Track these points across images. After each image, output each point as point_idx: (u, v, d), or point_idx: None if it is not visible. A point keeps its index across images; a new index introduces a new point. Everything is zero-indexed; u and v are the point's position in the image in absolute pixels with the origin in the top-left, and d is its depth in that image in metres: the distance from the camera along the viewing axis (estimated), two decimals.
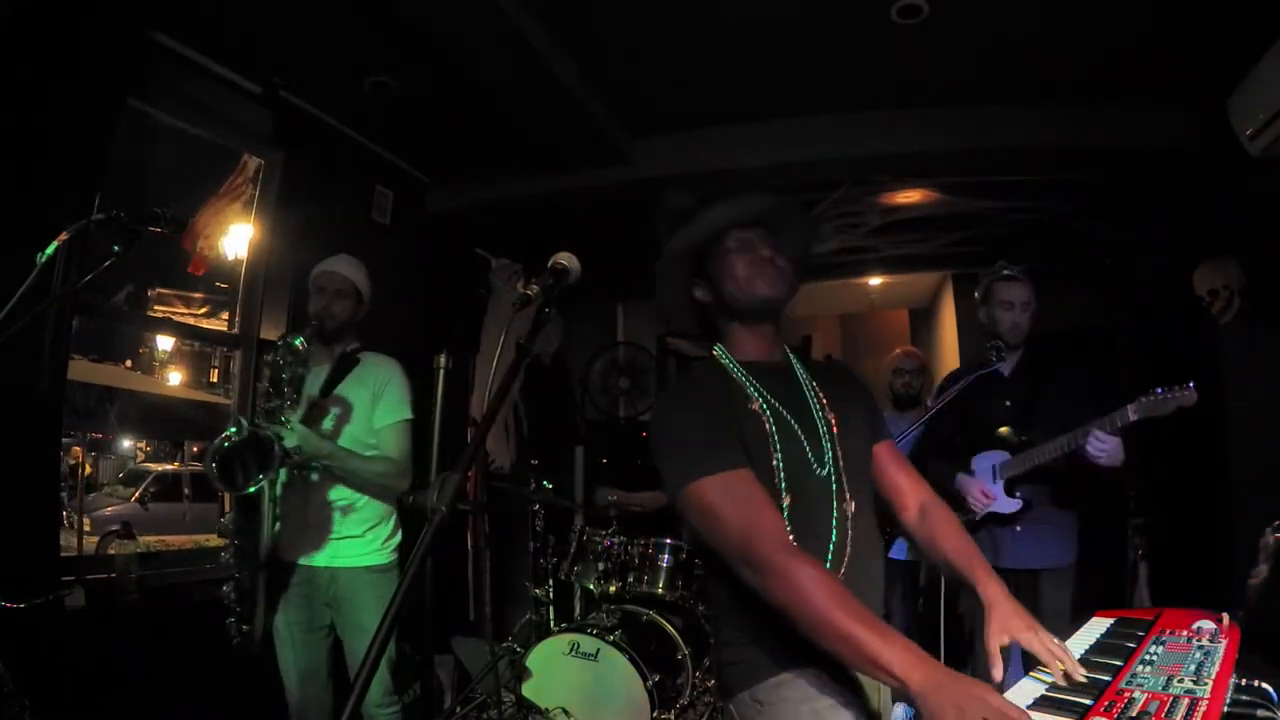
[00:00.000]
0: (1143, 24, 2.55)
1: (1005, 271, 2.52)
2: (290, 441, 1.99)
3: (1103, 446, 2.13)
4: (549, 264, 1.15)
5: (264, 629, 2.14)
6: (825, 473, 1.29)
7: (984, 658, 1.17)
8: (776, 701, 1.19)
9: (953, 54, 2.80)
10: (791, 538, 1.18)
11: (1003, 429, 2.45)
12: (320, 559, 2.22)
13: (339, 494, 2.24)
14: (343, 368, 2.29)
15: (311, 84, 3.03)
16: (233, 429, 1.92)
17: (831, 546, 1.26)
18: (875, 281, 5.39)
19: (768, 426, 1.27)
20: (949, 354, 5.18)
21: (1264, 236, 3.35)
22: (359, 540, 2.26)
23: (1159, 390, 2.09)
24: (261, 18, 2.56)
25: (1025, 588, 2.38)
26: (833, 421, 1.33)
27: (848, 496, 1.30)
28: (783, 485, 1.24)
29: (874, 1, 2.49)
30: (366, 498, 2.25)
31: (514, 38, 2.56)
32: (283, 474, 2.11)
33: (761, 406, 1.29)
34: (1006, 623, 1.17)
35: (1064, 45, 2.71)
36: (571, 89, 2.95)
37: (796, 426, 1.29)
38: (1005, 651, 1.16)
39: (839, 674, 1.18)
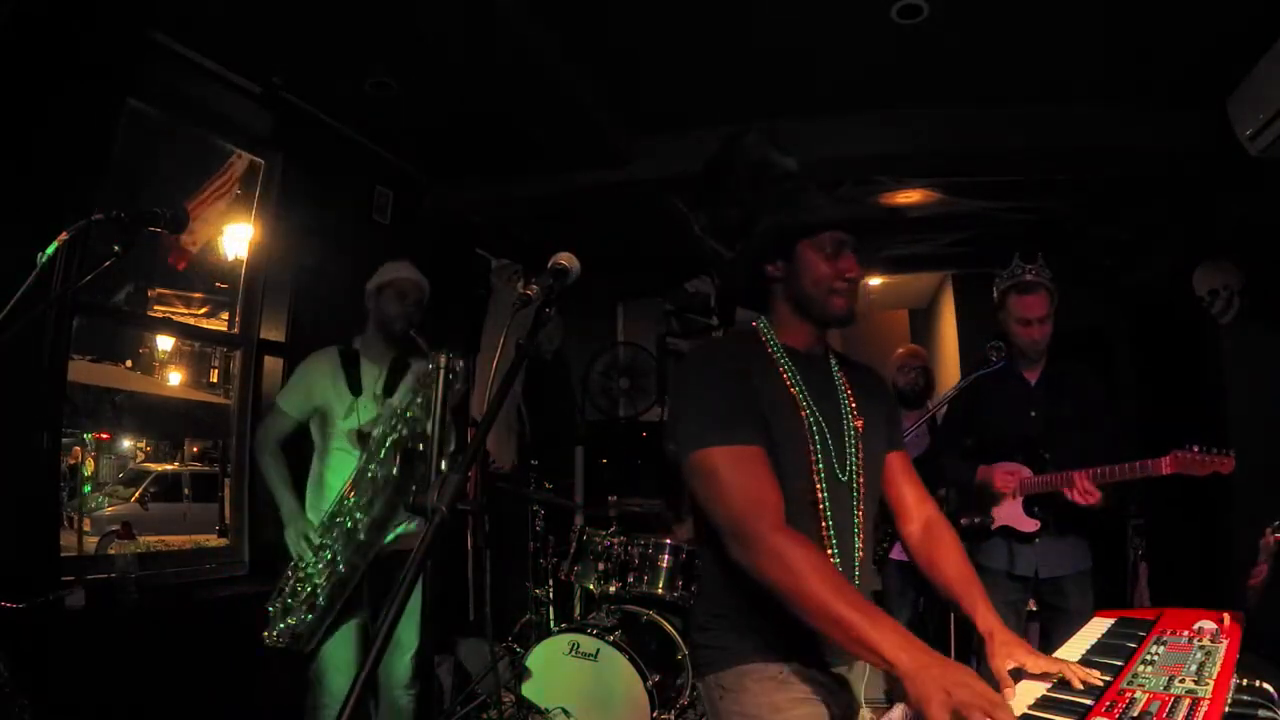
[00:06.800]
0: (1143, 24, 2.54)
1: (1026, 277, 2.34)
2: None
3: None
4: (549, 264, 1.15)
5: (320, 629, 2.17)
6: (846, 478, 1.28)
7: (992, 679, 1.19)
8: (738, 690, 1.21)
9: (953, 54, 2.80)
10: (831, 536, 1.22)
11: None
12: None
13: None
14: (399, 369, 2.38)
15: (311, 84, 3.02)
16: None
17: (858, 558, 1.28)
18: (875, 282, 5.38)
19: (806, 418, 1.26)
20: (949, 354, 5.18)
21: (1264, 237, 3.35)
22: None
23: (1196, 448, 2.05)
24: (261, 18, 2.55)
25: (1044, 594, 2.36)
26: (858, 426, 1.32)
27: (863, 505, 1.30)
28: (815, 481, 1.25)
29: (874, 1, 2.49)
30: None
31: (514, 37, 2.55)
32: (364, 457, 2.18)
33: (799, 395, 1.28)
34: (1008, 648, 1.20)
35: (1064, 45, 2.71)
36: (571, 89, 2.94)
37: (826, 427, 1.28)
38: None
39: (808, 670, 1.20)
